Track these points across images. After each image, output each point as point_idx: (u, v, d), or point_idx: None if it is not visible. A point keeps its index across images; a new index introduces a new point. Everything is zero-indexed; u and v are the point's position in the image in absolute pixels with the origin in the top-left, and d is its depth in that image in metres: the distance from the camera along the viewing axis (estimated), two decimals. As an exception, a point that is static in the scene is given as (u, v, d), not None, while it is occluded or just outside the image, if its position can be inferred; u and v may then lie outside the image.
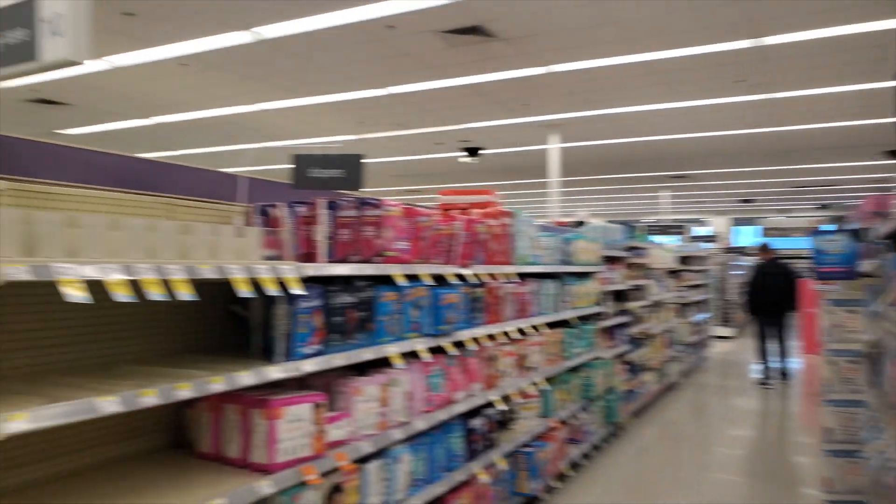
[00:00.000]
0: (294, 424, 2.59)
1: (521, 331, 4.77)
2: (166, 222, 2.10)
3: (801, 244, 23.99)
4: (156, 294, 1.91)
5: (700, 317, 12.82)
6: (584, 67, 9.97)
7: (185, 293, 2.00)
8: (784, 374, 10.47)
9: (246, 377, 2.34)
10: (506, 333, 4.48)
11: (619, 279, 7.56)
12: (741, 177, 20.89)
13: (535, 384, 4.97)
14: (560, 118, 13.38)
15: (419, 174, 20.91)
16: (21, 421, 1.61)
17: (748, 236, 29.04)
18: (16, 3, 2.08)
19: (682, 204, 29.47)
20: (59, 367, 2.37)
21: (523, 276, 4.93)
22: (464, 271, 3.86)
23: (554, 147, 14.64)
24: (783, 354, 10.48)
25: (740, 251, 22.53)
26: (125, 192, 2.65)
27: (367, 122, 13.64)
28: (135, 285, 1.91)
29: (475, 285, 4.02)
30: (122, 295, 1.81)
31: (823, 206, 28.00)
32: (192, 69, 9.63)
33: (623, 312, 7.75)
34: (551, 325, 5.60)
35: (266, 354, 2.77)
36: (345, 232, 2.86)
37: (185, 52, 8.85)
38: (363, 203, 2.98)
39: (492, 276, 4.23)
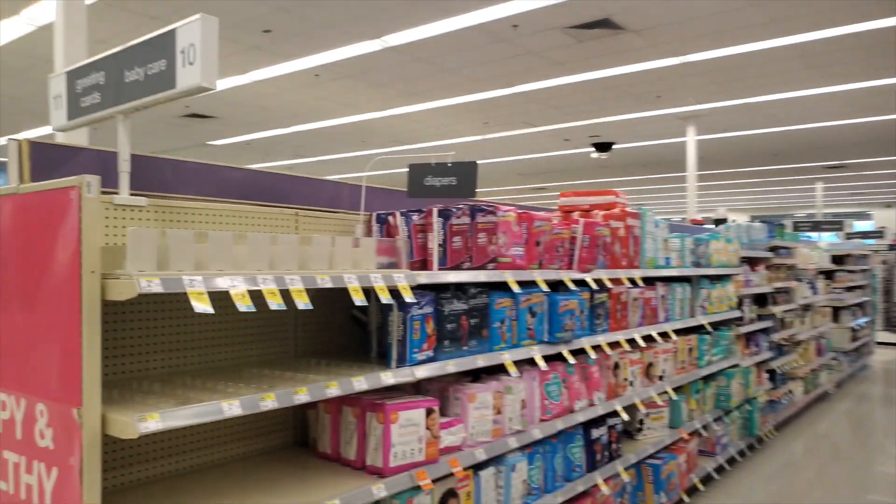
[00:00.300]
0: (408, 429, 2.64)
1: (648, 338, 4.58)
2: (287, 235, 2.22)
3: None
4: (275, 304, 2.02)
5: (860, 321, 11.67)
6: (724, 55, 9.39)
7: (303, 302, 2.10)
8: None
9: (359, 382, 2.42)
10: (631, 341, 4.31)
11: (761, 281, 7.04)
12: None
13: (663, 394, 4.75)
14: (697, 109, 12.71)
15: (547, 171, 20.68)
16: (152, 422, 1.76)
17: (919, 231, 26.05)
18: (160, 35, 2.28)
19: (840, 197, 26.97)
20: (190, 368, 2.58)
21: (651, 281, 4.73)
22: (583, 276, 3.76)
23: (691, 139, 13.93)
24: None
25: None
26: (254, 205, 2.83)
27: (493, 122, 13.68)
28: (257, 295, 2.03)
29: (596, 291, 3.91)
30: (244, 305, 1.93)
31: None
32: (324, 79, 10.13)
33: (765, 317, 7.22)
34: (683, 332, 5.33)
35: (382, 359, 2.85)
36: (457, 239, 2.88)
37: (318, 63, 9.33)
38: (477, 210, 2.98)
39: (615, 280, 4.09)
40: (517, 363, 3.38)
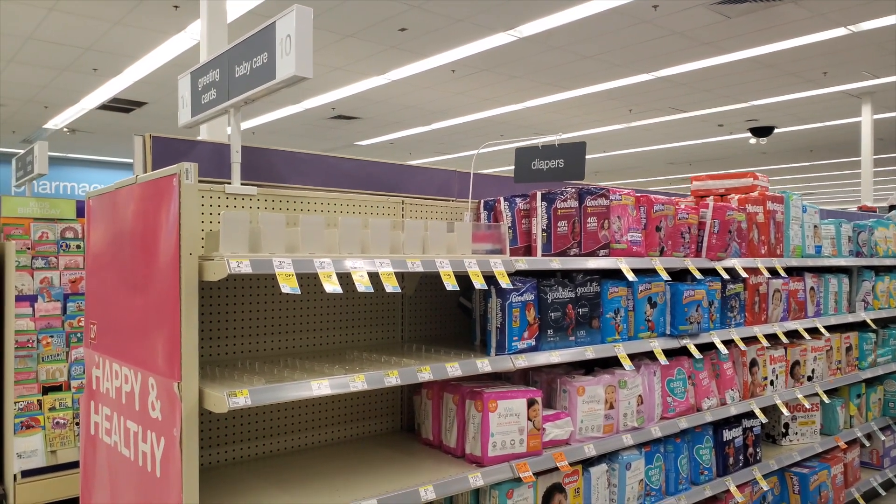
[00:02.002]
0: (507, 419, 2.57)
1: (793, 334, 4.14)
2: (378, 219, 2.24)
3: None
4: (363, 286, 2.04)
5: None
6: (898, 22, 8.30)
7: (392, 286, 2.10)
8: None
9: (453, 368, 2.39)
10: (771, 336, 3.92)
11: (945, 275, 6.13)
12: None
13: (812, 396, 4.27)
14: (872, 84, 11.35)
15: (700, 160, 19.47)
16: (241, 398, 1.85)
17: None
18: (263, 28, 2.39)
19: None
20: (296, 351, 2.68)
21: (797, 271, 4.27)
22: (713, 265, 3.47)
23: (866, 119, 12.47)
24: None
25: None
26: (361, 194, 2.90)
27: (638, 109, 13.10)
28: (346, 279, 2.06)
29: (729, 281, 3.59)
30: (331, 286, 1.97)
31: None
32: (460, 74, 10.22)
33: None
34: (838, 329, 4.77)
35: (484, 346, 2.81)
36: (563, 224, 2.76)
37: (453, 59, 9.42)
38: (586, 193, 2.84)
39: (751, 270, 3.73)
40: (634, 357, 3.20)
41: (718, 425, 3.61)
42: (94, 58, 9.33)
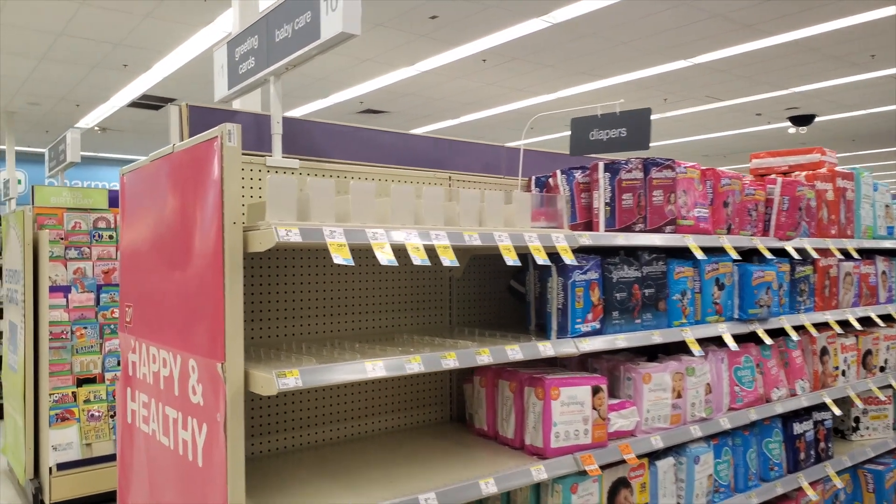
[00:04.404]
0: (570, 407, 2.37)
1: (865, 321, 3.87)
2: (432, 188, 2.06)
3: None
4: (418, 259, 1.86)
5: None
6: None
7: (449, 259, 1.92)
8: None
9: (513, 352, 2.19)
10: (843, 323, 3.66)
11: None
12: None
13: (885, 388, 3.99)
14: (923, 67, 10.88)
15: (734, 152, 19.00)
16: (291, 378, 1.68)
17: None
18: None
19: None
20: (342, 334, 2.51)
21: (868, 253, 3.99)
22: (783, 245, 3.22)
23: (913, 104, 11.98)
24: None
25: None
26: (407, 169, 2.72)
27: (673, 98, 12.76)
28: (400, 251, 1.88)
29: (798, 262, 3.34)
30: (386, 258, 1.79)
31: None
32: (491, 64, 10.01)
33: None
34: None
35: (541, 332, 2.61)
36: (628, 197, 2.55)
37: (484, 47, 9.21)
38: (651, 164, 2.62)
39: (822, 251, 3.48)
40: (700, 343, 2.97)
41: (788, 418, 3.36)
42: (124, 53, 9.31)
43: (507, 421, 2.48)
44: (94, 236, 4.37)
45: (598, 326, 2.47)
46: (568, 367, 2.75)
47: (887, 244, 4.02)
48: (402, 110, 13.05)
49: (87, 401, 4.20)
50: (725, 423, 2.93)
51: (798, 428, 3.40)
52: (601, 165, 2.55)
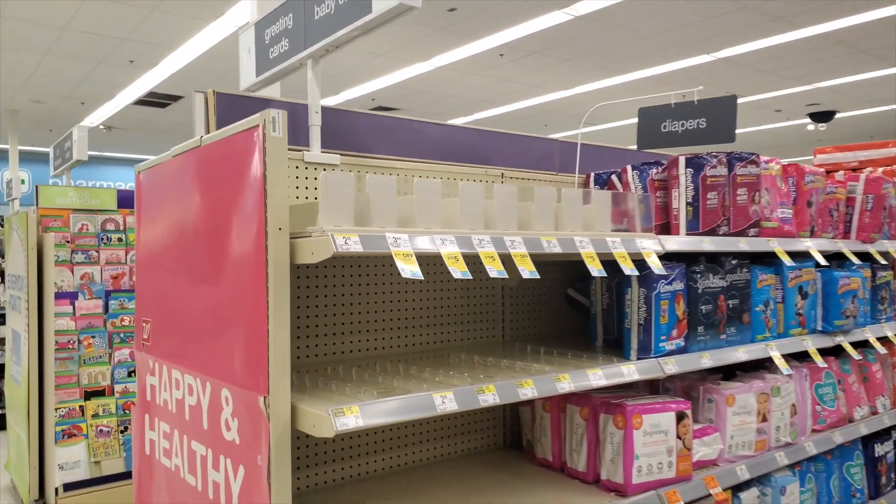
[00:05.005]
0: (653, 437, 2.07)
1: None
2: (504, 186, 1.75)
3: None
4: (495, 271, 1.56)
5: None
6: None
7: (528, 271, 1.61)
8: None
9: (595, 376, 1.89)
10: (921, 332, 3.34)
11: None
12: None
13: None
14: (950, 62, 10.54)
15: (752, 149, 18.63)
16: (351, 417, 1.37)
17: None
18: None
19: None
20: (388, 352, 2.21)
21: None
22: (867, 248, 2.91)
23: (940, 100, 11.63)
24: None
25: None
26: (456, 165, 2.41)
27: (691, 96, 12.41)
28: (472, 261, 1.58)
29: (879, 267, 3.03)
30: (459, 271, 1.49)
31: None
32: (509, 59, 9.69)
33: None
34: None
35: (609, 349, 2.31)
36: (712, 196, 2.24)
37: (502, 41, 8.90)
38: (735, 158, 2.31)
39: (903, 255, 3.16)
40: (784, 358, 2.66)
41: (868, 439, 3.05)
42: (130, 48, 9.02)
43: (578, 452, 2.17)
44: (102, 239, 4.07)
45: (682, 344, 2.16)
46: (634, 386, 2.44)
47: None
48: (413, 107, 12.74)
49: (95, 415, 3.91)
50: (811, 449, 2.63)
51: (879, 449, 3.09)
52: (683, 160, 2.24)
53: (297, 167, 2.03)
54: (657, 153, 2.87)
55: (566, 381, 1.79)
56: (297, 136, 2.15)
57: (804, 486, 2.64)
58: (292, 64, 2.19)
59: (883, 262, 2.96)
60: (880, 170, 3.29)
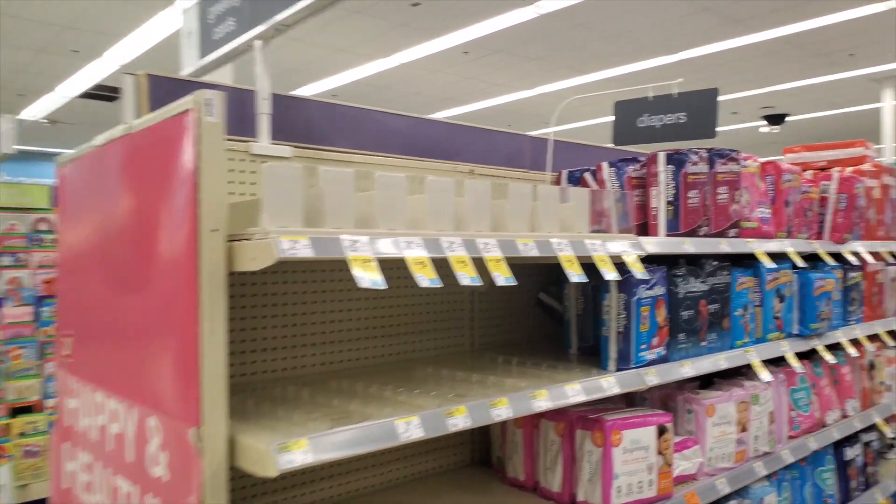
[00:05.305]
0: (634, 454, 1.92)
1: (906, 331, 3.52)
2: (476, 182, 1.57)
3: None
4: (467, 278, 1.37)
5: None
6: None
7: (504, 277, 1.44)
8: None
9: (573, 391, 1.72)
10: (891, 333, 3.30)
11: None
12: None
13: (927, 404, 3.65)
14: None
15: (707, 151, 18.88)
16: (298, 452, 1.18)
17: None
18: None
19: None
20: (344, 367, 2.01)
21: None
22: (839, 249, 2.83)
23: (888, 105, 11.91)
24: None
25: None
26: (423, 160, 2.22)
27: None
28: (440, 265, 1.39)
29: (849, 268, 2.95)
30: (427, 278, 1.30)
31: None
32: (474, 56, 9.54)
33: None
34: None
35: (585, 357, 2.16)
36: (694, 194, 2.10)
37: (467, 38, 8.74)
38: (716, 155, 2.18)
39: (874, 255, 3.10)
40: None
41: (839, 443, 2.97)
42: (73, 37, 8.56)
43: (552, 471, 2.01)
44: (33, 240, 3.76)
45: (663, 353, 2.01)
46: (610, 399, 2.29)
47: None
48: (375, 105, 12.41)
49: (22, 434, 3.59)
50: (788, 457, 2.52)
51: (849, 453, 3.02)
52: (662, 156, 2.10)
53: (242, 160, 1.81)
54: (633, 150, 2.74)
55: (543, 399, 1.62)
56: (247, 125, 1.94)
57: (781, 496, 2.54)
58: (240, 46, 1.97)
59: (855, 262, 2.89)
60: (849, 170, 3.23)
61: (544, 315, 2.56)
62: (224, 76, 3.74)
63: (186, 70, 2.24)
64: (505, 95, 11.90)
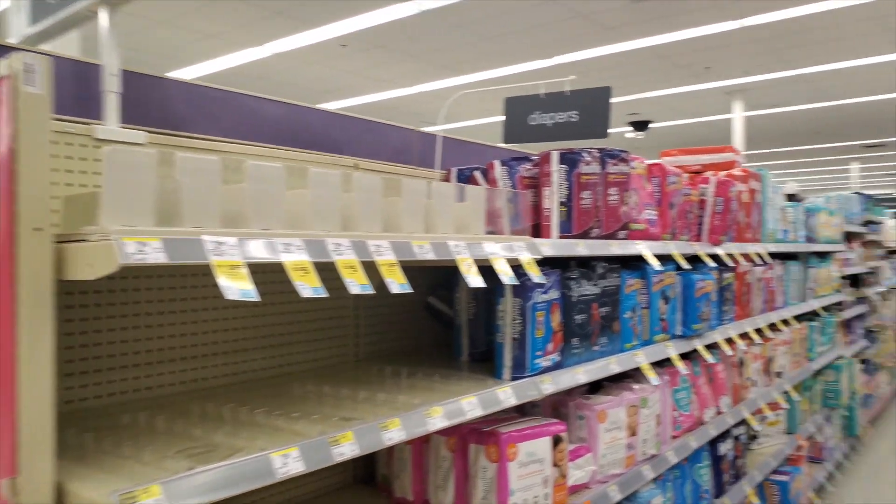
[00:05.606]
0: (529, 468, 1.82)
1: (766, 328, 3.72)
2: (365, 175, 1.39)
3: None
4: (357, 286, 1.20)
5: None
6: (785, 17, 8.40)
7: (398, 283, 1.27)
8: None
9: (470, 406, 1.59)
10: (758, 331, 3.47)
11: (857, 260, 6.15)
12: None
13: (784, 394, 3.89)
14: (745, 82, 11.72)
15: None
16: (150, 502, 0.95)
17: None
18: None
19: (875, 177, 25.78)
20: (214, 386, 1.76)
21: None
22: (715, 250, 2.91)
23: (738, 115, 12.93)
24: None
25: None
26: (301, 152, 2.01)
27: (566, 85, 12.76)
28: (326, 270, 1.21)
29: (724, 269, 3.06)
30: (309, 287, 1.11)
31: None
32: (352, 50, 9.29)
33: (861, 301, 6.32)
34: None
35: (476, 362, 2.05)
36: (587, 195, 2.04)
37: (345, 31, 8.48)
38: (607, 155, 2.14)
39: (746, 256, 3.23)
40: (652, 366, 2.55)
41: (713, 439, 3.07)
42: None
43: (444, 489, 1.87)
44: None
45: (557, 359, 1.93)
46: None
47: (783, 248, 3.91)
48: (246, 96, 11.88)
49: None
50: (672, 457, 2.55)
51: (722, 448, 3.13)
52: (556, 155, 2.02)
53: (84, 146, 1.52)
54: (520, 150, 2.67)
55: (438, 416, 1.47)
56: (92, 106, 1.65)
57: (665, 496, 2.56)
58: (81, 11, 1.67)
59: (730, 264, 2.99)
60: (721, 174, 3.35)
61: (433, 320, 2.42)
62: (69, 48, 3.29)
63: (16, 36, 1.89)
64: (384, 92, 11.73)
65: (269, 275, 1.87)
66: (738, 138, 12.95)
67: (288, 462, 1.16)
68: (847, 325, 5.85)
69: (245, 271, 1.06)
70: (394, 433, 1.36)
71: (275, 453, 1.15)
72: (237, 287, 1.01)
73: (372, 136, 2.36)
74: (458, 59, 9.97)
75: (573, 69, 10.63)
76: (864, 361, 6.44)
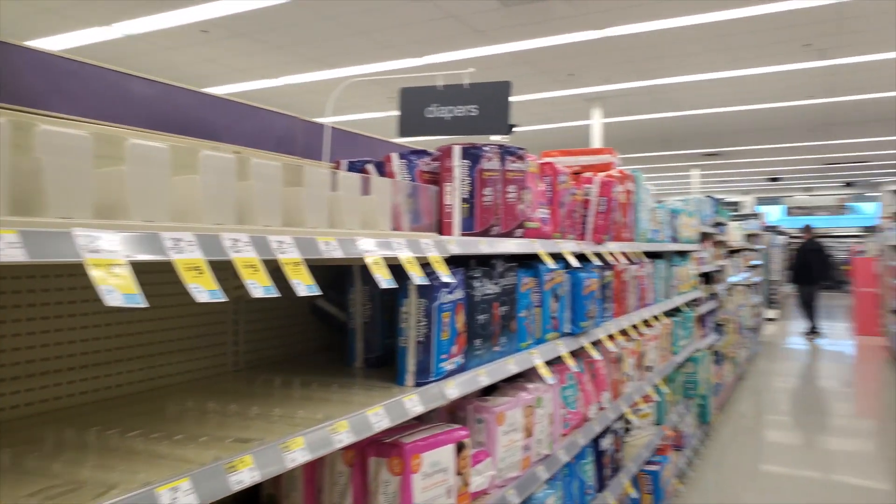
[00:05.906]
0: (434, 479, 1.72)
1: (641, 324, 3.89)
2: (262, 163, 1.22)
3: (826, 223, 25.26)
4: (260, 289, 1.04)
5: (755, 298, 11.85)
6: (643, 31, 8.97)
7: (305, 285, 1.12)
8: (815, 330, 12.59)
9: (377, 417, 1.47)
10: (634, 327, 3.60)
11: (710, 259, 6.65)
12: (771, 154, 19.75)
13: (654, 387, 4.09)
14: (604, 90, 12.40)
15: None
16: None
17: (775, 215, 28.11)
18: None
19: (712, 184, 28.37)
20: (73, 404, 1.51)
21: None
22: (599, 249, 2.97)
23: (596, 122, 13.65)
24: (815, 315, 12.77)
25: (776, 230, 21.31)
26: (175, 137, 1.78)
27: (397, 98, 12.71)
28: (216, 269, 1.03)
29: (605, 268, 3.14)
30: (205, 290, 0.94)
31: (849, 184, 26.78)
32: (214, 37, 8.75)
33: (712, 297, 6.85)
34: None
35: (372, 368, 1.93)
36: (488, 192, 1.97)
37: (206, 16, 7.96)
38: (506, 152, 2.09)
39: (625, 255, 3.34)
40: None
41: (597, 435, 3.14)
42: None
43: (342, 507, 1.73)
44: None
45: (461, 361, 1.85)
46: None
47: (654, 247, 4.11)
48: (93, 82, 10.85)
49: None
50: (563, 456, 2.56)
51: (603, 443, 3.21)
52: (458, 150, 1.94)
53: None
54: (411, 145, 2.57)
55: (345, 432, 1.33)
56: None
57: (557, 496, 2.57)
58: None
59: (611, 262, 3.07)
60: (602, 175, 3.45)
61: (321, 324, 2.26)
62: None
63: None
64: (247, 82, 11.19)
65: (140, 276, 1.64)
66: (596, 144, 13.67)
67: (178, 497, 0.97)
68: (701, 319, 6.30)
69: (128, 271, 0.87)
70: (297, 454, 1.20)
71: (160, 487, 0.96)
72: (120, 293, 0.83)
73: (254, 122, 2.16)
74: (325, 52, 9.70)
75: (442, 69, 10.67)
76: (714, 353, 6.99)
